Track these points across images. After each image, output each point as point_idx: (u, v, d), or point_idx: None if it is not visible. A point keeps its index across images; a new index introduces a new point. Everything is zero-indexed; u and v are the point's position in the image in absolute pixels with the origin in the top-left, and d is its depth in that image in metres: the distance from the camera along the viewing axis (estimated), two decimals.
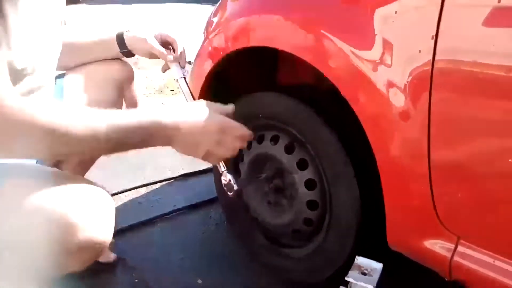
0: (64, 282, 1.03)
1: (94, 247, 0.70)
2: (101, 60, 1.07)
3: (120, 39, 1.04)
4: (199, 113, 0.72)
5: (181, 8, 7.20)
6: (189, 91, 1.00)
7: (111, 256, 1.14)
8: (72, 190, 0.70)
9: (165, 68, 1.06)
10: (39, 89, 0.86)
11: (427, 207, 0.74)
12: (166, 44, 1.05)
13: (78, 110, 0.67)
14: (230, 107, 0.79)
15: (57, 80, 1.00)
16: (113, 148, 0.67)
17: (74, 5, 7.01)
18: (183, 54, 1.04)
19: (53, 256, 0.68)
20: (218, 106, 0.78)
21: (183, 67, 1.03)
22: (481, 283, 0.71)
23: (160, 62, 1.07)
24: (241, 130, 0.77)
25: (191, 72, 1.21)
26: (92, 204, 0.70)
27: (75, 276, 1.05)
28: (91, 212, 0.69)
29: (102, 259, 1.12)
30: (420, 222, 0.77)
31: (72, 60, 1.04)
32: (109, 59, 1.08)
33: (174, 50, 1.04)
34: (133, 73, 1.12)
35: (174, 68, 1.02)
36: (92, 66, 1.07)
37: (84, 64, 1.06)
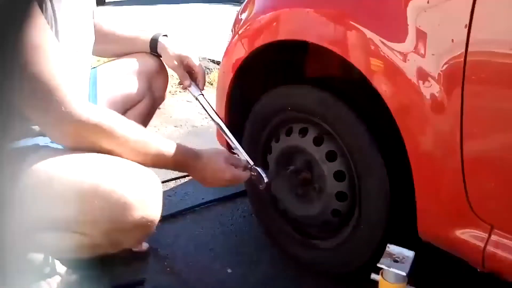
0: (98, 269, 1.08)
1: (147, 225, 0.75)
2: (133, 53, 1.12)
3: (154, 44, 1.09)
4: (216, 163, 0.92)
5: (203, 8, 7.27)
6: (210, 106, 1.07)
7: (144, 246, 1.18)
8: (125, 170, 0.75)
9: (184, 86, 1.11)
10: (77, 81, 0.90)
11: (459, 197, 0.74)
12: (190, 68, 1.10)
13: (138, 128, 0.82)
14: (244, 161, 0.99)
15: (91, 72, 1.04)
16: (153, 166, 0.83)
17: (100, 7, 7.21)
18: (202, 80, 1.11)
19: (111, 234, 0.72)
20: (235, 159, 0.98)
21: (201, 89, 1.10)
22: None
23: None
24: (242, 180, 0.97)
25: (219, 69, 1.24)
26: (144, 183, 0.75)
27: (108, 263, 1.10)
28: (144, 192, 0.74)
29: (134, 248, 1.16)
30: (452, 212, 0.77)
31: (110, 49, 1.12)
32: (140, 52, 1.12)
33: (195, 76, 1.10)
34: (163, 66, 1.15)
35: (192, 88, 1.09)
36: (124, 58, 1.13)
37: (117, 55, 1.13)
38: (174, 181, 1.59)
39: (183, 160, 0.88)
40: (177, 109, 2.50)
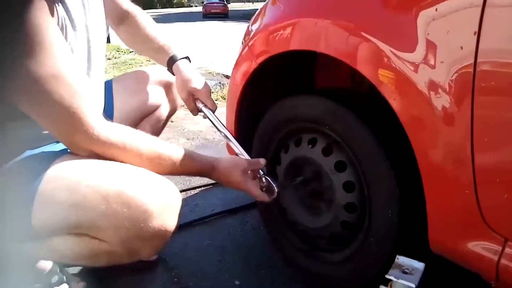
0: (106, 278, 1.08)
1: (165, 234, 0.76)
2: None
3: (171, 63, 1.10)
4: (232, 176, 0.94)
5: (219, 25, 7.37)
6: (215, 118, 1.08)
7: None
8: (147, 180, 0.76)
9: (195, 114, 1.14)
10: (92, 94, 0.92)
11: (471, 209, 0.72)
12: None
13: (152, 140, 0.83)
14: (262, 163, 0.98)
15: (107, 83, 1.06)
16: (169, 173, 0.84)
17: None
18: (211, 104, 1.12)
19: (129, 242, 0.73)
20: (253, 164, 0.97)
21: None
22: None
23: None
24: (255, 194, 0.98)
25: (229, 81, 1.25)
26: (164, 193, 0.76)
27: (116, 272, 1.10)
28: (165, 201, 0.75)
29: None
30: (464, 224, 0.75)
31: (138, 45, 1.16)
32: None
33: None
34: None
35: (198, 101, 1.10)
36: (138, 70, 1.16)
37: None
38: (184, 193, 1.59)
39: (199, 172, 0.92)
40: (190, 123, 2.52)
